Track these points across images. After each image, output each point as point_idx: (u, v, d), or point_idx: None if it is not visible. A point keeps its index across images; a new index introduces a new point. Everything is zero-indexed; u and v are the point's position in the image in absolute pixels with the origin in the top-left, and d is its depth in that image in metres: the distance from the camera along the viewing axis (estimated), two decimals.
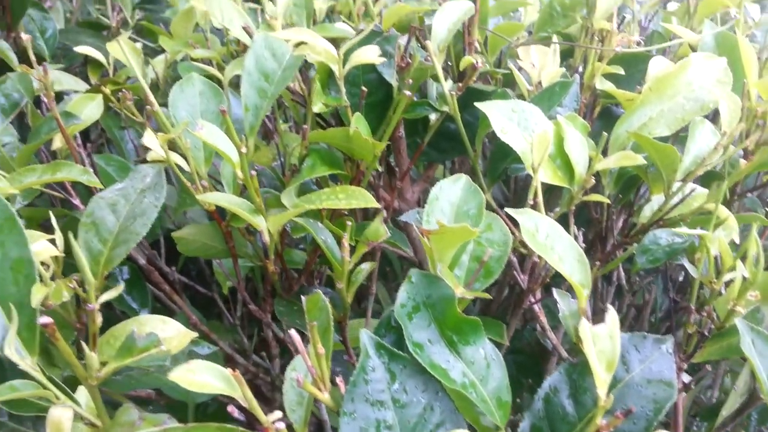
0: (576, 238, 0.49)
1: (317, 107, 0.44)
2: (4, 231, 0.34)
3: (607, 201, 0.47)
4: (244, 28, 0.51)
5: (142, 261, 0.59)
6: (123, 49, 0.82)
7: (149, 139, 0.43)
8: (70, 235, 0.35)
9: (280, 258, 0.49)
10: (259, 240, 0.49)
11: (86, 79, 0.86)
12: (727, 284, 0.42)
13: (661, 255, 0.46)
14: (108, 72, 0.84)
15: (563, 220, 0.43)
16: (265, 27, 0.49)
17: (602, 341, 0.33)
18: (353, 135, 0.43)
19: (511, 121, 0.45)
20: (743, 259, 0.41)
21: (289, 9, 0.66)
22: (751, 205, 0.66)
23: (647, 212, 0.53)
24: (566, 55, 0.66)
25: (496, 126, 0.44)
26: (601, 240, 0.56)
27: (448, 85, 0.51)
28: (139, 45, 0.81)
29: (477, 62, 0.47)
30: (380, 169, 0.60)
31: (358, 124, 0.42)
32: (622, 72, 0.53)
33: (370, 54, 0.45)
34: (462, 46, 0.57)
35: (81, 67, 0.95)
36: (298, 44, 0.46)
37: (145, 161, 0.63)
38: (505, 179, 0.72)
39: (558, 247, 0.39)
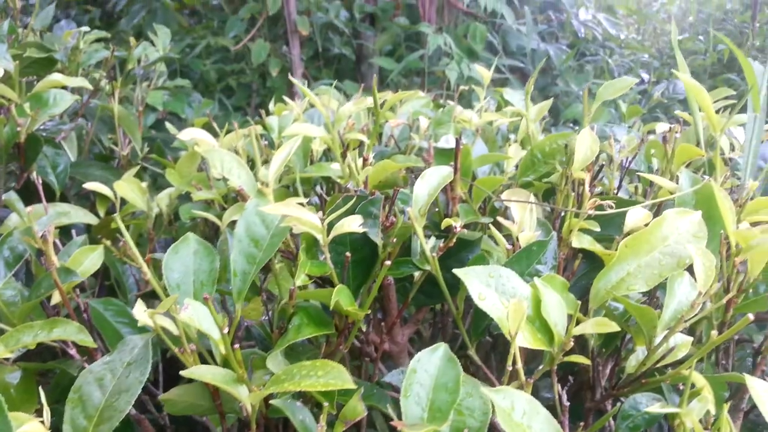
0: (560, 396, 0.50)
1: (300, 280, 0.46)
2: None
3: (587, 362, 0.48)
4: (239, 191, 0.54)
5: (133, 411, 0.59)
6: (128, 188, 0.86)
7: (139, 311, 0.44)
8: None
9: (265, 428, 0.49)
10: None
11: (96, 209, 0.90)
12: None
13: (641, 422, 0.46)
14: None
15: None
16: (257, 193, 0.52)
17: None
18: (335, 305, 0.45)
19: (488, 286, 0.46)
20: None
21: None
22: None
23: (633, 362, 0.54)
24: (548, 196, 0.68)
25: (473, 292, 0.45)
26: (589, 389, 0.56)
27: (431, 243, 0.53)
28: (148, 174, 0.85)
29: (455, 226, 0.49)
30: (369, 313, 0.61)
31: (339, 295, 0.44)
32: (597, 229, 0.55)
33: (352, 224, 0.48)
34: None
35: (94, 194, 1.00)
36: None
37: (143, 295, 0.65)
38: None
39: (536, 426, 0.39)
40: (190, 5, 2.61)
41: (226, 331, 0.41)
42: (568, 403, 0.48)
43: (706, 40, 3.29)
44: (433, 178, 0.51)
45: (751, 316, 0.44)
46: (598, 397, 0.55)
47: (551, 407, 0.50)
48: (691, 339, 0.53)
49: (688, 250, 0.50)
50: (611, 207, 0.54)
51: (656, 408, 0.42)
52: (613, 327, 0.46)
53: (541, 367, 0.48)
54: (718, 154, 0.69)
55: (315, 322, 0.49)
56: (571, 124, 2.06)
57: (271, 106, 1.03)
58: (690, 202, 0.60)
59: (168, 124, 1.07)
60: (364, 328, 0.58)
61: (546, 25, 2.79)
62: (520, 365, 0.44)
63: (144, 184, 0.83)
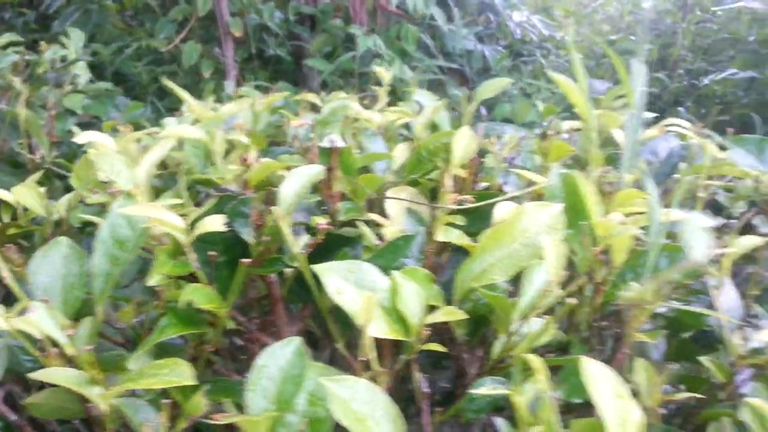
0: (420, 383, 0.51)
1: (154, 280, 0.46)
2: None
3: (444, 349, 0.50)
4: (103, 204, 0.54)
5: (13, 417, 0.59)
6: (26, 193, 0.85)
7: None
8: None
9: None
10: None
11: None
12: None
13: (484, 405, 0.48)
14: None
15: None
16: (125, 195, 0.52)
17: None
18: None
19: (347, 281, 0.48)
20: None
21: (189, 152, 0.71)
22: None
23: (497, 348, 0.56)
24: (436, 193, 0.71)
25: (331, 288, 0.47)
26: (460, 375, 0.59)
27: (303, 240, 0.54)
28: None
29: (320, 223, 0.51)
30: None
31: (194, 294, 0.45)
32: (462, 223, 0.57)
33: (215, 223, 0.48)
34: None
35: None
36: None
37: None
38: None
39: (377, 414, 0.41)
40: (130, 7, 2.57)
41: (71, 333, 0.41)
42: (427, 390, 0.50)
43: (640, 41, 3.41)
44: (300, 178, 0.53)
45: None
46: (467, 383, 0.57)
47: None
48: (552, 323, 0.56)
49: (542, 240, 0.53)
50: (471, 202, 0.56)
51: (487, 390, 0.44)
52: (460, 315, 0.48)
53: (403, 357, 0.50)
54: (593, 149, 0.72)
55: (183, 321, 0.49)
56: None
57: (184, 107, 1.03)
58: (559, 195, 0.63)
59: (74, 128, 1.06)
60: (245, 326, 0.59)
61: (483, 26, 2.84)
62: (374, 355, 0.46)
63: (42, 189, 0.82)
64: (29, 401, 0.50)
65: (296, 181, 0.52)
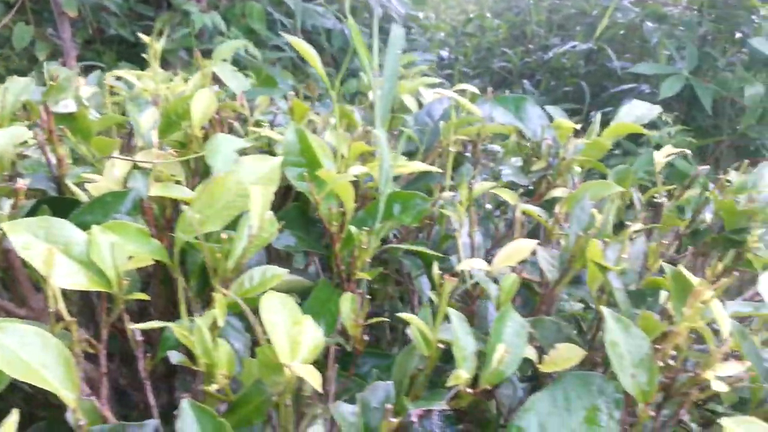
0: (133, 332, 0.54)
1: None
2: None
3: (145, 297, 0.53)
4: None
5: None
6: None
7: None
8: None
9: None
10: None
11: None
12: None
13: (173, 344, 0.52)
14: None
15: None
16: None
17: None
18: None
19: (36, 237, 0.49)
20: None
21: None
22: None
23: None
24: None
25: (16, 243, 0.48)
26: None
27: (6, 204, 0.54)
28: None
29: (20, 184, 0.51)
30: None
31: None
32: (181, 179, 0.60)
33: None
34: None
35: None
36: None
37: None
38: None
39: (48, 360, 0.43)
40: None
41: None
42: (141, 338, 0.52)
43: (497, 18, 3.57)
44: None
45: None
46: None
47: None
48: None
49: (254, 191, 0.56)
50: (173, 155, 0.59)
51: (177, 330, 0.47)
52: (147, 261, 0.50)
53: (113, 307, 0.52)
54: (352, 111, 0.77)
55: None
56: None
57: None
58: (295, 149, 0.67)
59: None
60: None
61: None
62: (61, 305, 0.48)
63: None
64: None
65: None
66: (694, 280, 0.55)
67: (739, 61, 2.29)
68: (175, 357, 0.47)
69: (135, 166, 0.61)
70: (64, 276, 0.48)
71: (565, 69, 3.11)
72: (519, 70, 3.11)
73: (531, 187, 0.87)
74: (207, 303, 0.62)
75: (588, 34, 2.89)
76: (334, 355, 0.56)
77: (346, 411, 0.46)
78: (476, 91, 1.03)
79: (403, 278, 0.78)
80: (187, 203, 0.58)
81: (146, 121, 0.69)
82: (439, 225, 0.79)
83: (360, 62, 0.75)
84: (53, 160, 0.60)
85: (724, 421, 0.45)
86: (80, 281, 0.50)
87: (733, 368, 0.55)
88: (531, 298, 0.75)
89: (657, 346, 0.53)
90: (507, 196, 0.72)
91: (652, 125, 2.08)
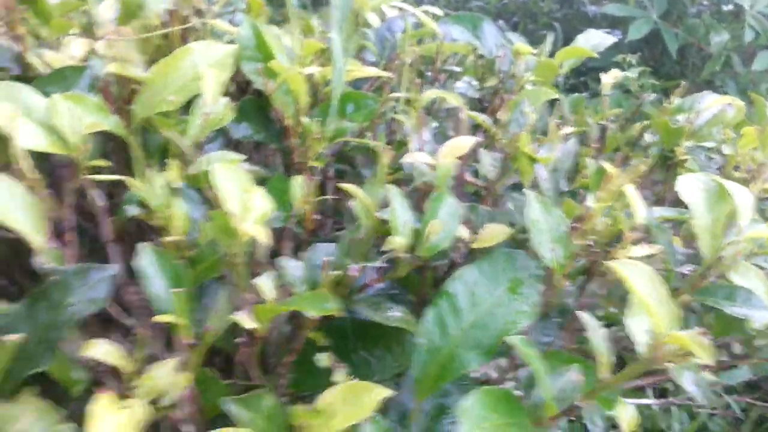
0: (95, 197, 0.57)
1: None
2: None
3: (106, 163, 0.56)
4: None
5: None
6: None
7: None
8: None
9: None
10: None
11: None
12: None
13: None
14: None
15: None
16: None
17: None
18: None
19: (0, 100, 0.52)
20: None
21: None
22: None
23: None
24: None
25: None
26: None
27: None
28: None
29: None
30: None
31: None
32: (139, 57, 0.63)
33: None
34: None
35: None
36: None
37: None
38: None
39: (15, 204, 0.46)
40: None
41: None
42: (102, 203, 0.56)
43: None
44: None
45: None
46: None
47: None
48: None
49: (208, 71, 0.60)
50: (130, 34, 0.62)
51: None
52: (105, 126, 0.54)
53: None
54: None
55: None
56: None
57: None
58: (251, 44, 0.70)
59: None
60: None
61: None
62: (25, 163, 0.51)
63: None
64: None
65: None
66: (613, 170, 0.60)
67: (707, 9, 2.33)
68: (132, 210, 0.51)
69: (92, 52, 0.64)
70: (27, 137, 0.52)
71: (543, 13, 3.11)
72: (496, 11, 3.10)
73: (486, 105, 0.91)
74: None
75: None
76: (288, 236, 0.61)
77: (290, 265, 0.51)
78: (439, 12, 1.06)
79: (359, 177, 0.83)
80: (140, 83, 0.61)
81: (105, 9, 0.71)
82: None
83: None
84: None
85: (607, 264, 0.49)
86: (42, 143, 0.53)
87: (644, 250, 0.61)
88: (478, 202, 0.81)
89: (575, 225, 0.59)
90: (452, 99, 0.76)
91: (618, 68, 2.12)
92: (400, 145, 0.82)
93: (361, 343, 0.59)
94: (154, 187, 0.50)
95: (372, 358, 0.60)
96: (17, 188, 0.48)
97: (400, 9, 1.05)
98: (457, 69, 1.09)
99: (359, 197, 0.54)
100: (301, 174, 0.68)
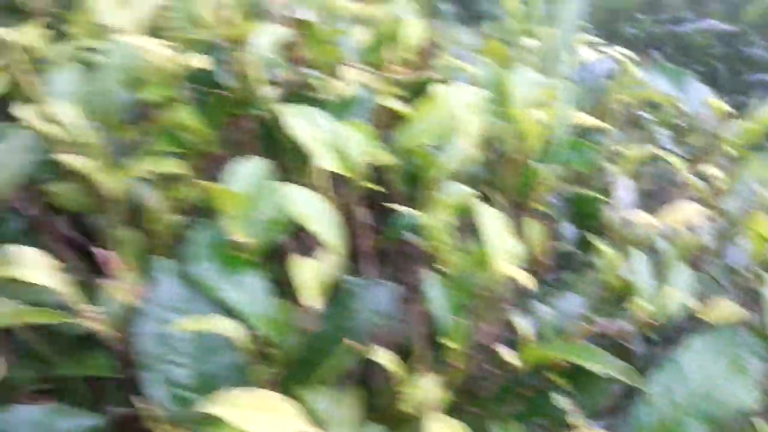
0: (365, 217, 0.64)
1: (148, 93, 0.58)
2: None
3: (382, 190, 0.63)
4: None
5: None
6: None
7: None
8: None
9: None
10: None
11: None
12: None
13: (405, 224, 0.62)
14: None
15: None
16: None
17: None
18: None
19: (307, 123, 0.60)
20: None
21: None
22: None
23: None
24: None
25: (292, 125, 0.59)
26: None
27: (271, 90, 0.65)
28: None
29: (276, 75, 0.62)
30: None
31: (182, 111, 0.57)
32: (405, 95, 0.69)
33: (201, 62, 0.60)
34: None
35: None
36: None
37: None
38: None
39: (317, 213, 0.54)
40: None
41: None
42: (369, 222, 0.63)
43: None
44: (269, 34, 0.63)
45: None
46: None
47: None
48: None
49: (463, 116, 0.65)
50: (407, 74, 0.68)
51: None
52: (389, 158, 0.61)
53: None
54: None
55: (172, 138, 0.61)
56: None
57: None
58: (486, 84, 0.74)
59: None
60: None
61: None
62: (323, 182, 0.59)
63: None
64: (51, 188, 0.60)
65: (266, 36, 0.63)
66: None
67: None
68: (410, 236, 0.58)
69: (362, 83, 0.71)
70: (323, 157, 0.59)
71: (697, 46, 2.99)
72: (646, 38, 3.01)
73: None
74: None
75: (727, 14, 2.76)
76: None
77: (543, 310, 0.56)
78: (634, 56, 1.07)
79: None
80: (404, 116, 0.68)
81: (360, 37, 0.78)
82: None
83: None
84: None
85: None
86: (332, 164, 0.60)
87: None
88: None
89: None
90: (674, 161, 0.78)
91: None
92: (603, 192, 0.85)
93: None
94: (436, 219, 0.56)
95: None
96: (317, 200, 0.55)
97: (601, 51, 1.07)
98: (649, 116, 1.10)
99: (607, 255, 0.58)
100: (525, 214, 0.73)
